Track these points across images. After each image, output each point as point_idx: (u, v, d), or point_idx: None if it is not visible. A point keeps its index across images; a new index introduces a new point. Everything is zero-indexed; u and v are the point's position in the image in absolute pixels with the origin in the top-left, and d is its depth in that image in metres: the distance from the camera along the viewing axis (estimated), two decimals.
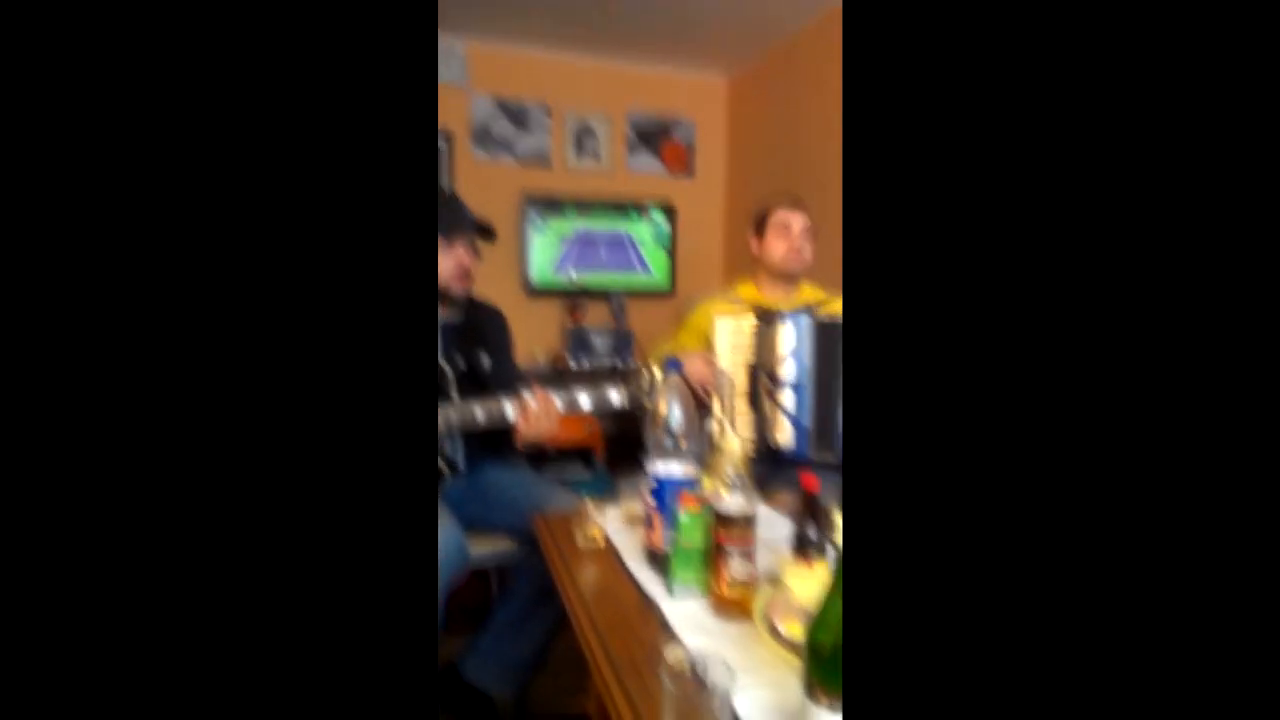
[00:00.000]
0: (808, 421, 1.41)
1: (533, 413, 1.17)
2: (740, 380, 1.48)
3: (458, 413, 1.20)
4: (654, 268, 3.08)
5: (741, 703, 0.60)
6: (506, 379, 1.38)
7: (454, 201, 1.34)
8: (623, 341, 2.87)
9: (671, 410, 0.89)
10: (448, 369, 1.25)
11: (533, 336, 2.88)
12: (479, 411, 1.20)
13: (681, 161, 3.17)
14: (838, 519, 0.55)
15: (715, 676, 0.56)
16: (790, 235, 1.55)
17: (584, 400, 1.21)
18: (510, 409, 1.19)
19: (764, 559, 0.88)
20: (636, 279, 3.05)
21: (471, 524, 1.24)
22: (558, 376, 2.68)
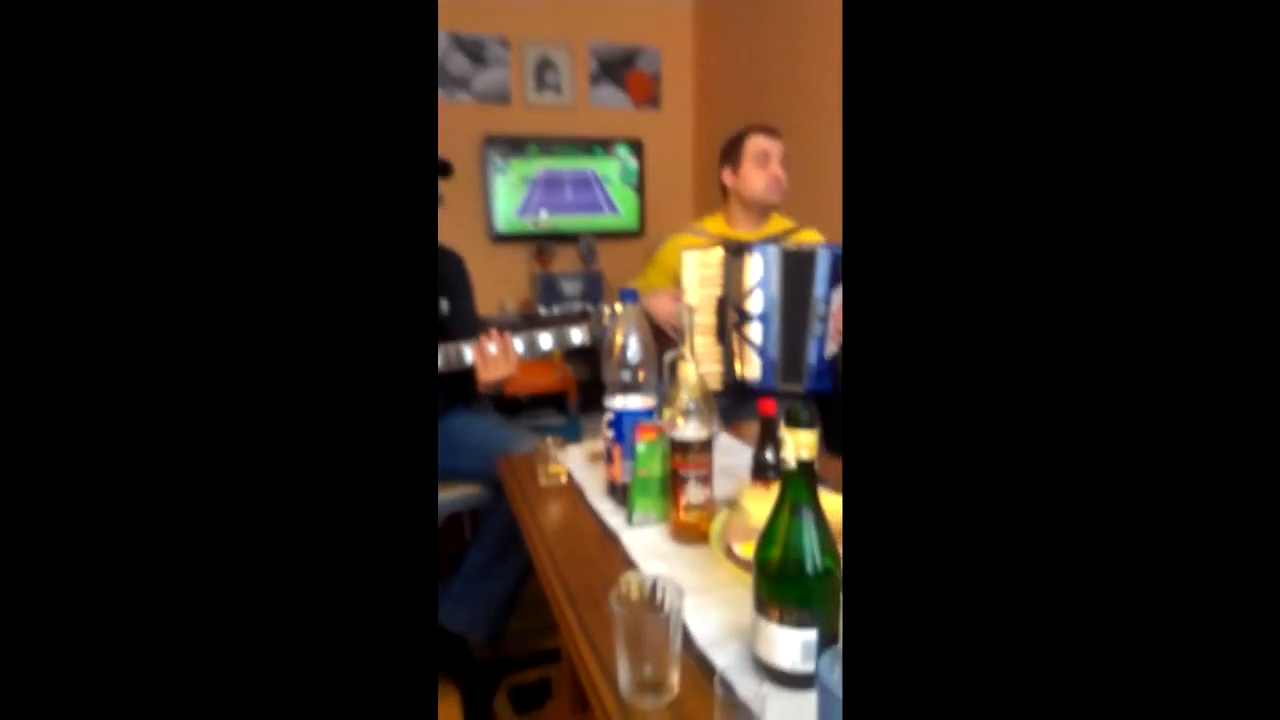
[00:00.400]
0: (774, 353, 1.40)
1: (490, 356, 1.14)
2: (709, 314, 1.46)
3: None
4: (622, 207, 2.99)
5: (695, 622, 0.61)
6: (466, 324, 1.34)
7: None
8: (593, 285, 2.82)
9: (629, 343, 0.87)
10: None
11: (500, 284, 2.82)
12: (438, 357, 1.17)
13: (647, 93, 3.04)
14: (789, 440, 0.54)
15: (666, 598, 0.56)
16: (769, 163, 1.49)
17: (545, 340, 1.19)
18: (469, 353, 1.16)
19: (726, 486, 0.88)
20: (605, 220, 2.96)
21: (440, 471, 1.23)
22: (527, 324, 2.64)
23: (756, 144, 1.50)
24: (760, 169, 1.49)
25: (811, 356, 1.38)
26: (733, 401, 1.45)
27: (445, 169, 1.28)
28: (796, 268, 1.37)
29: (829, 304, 1.35)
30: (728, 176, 1.55)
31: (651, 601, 0.56)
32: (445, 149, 2.79)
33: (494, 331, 1.16)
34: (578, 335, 1.19)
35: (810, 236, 1.54)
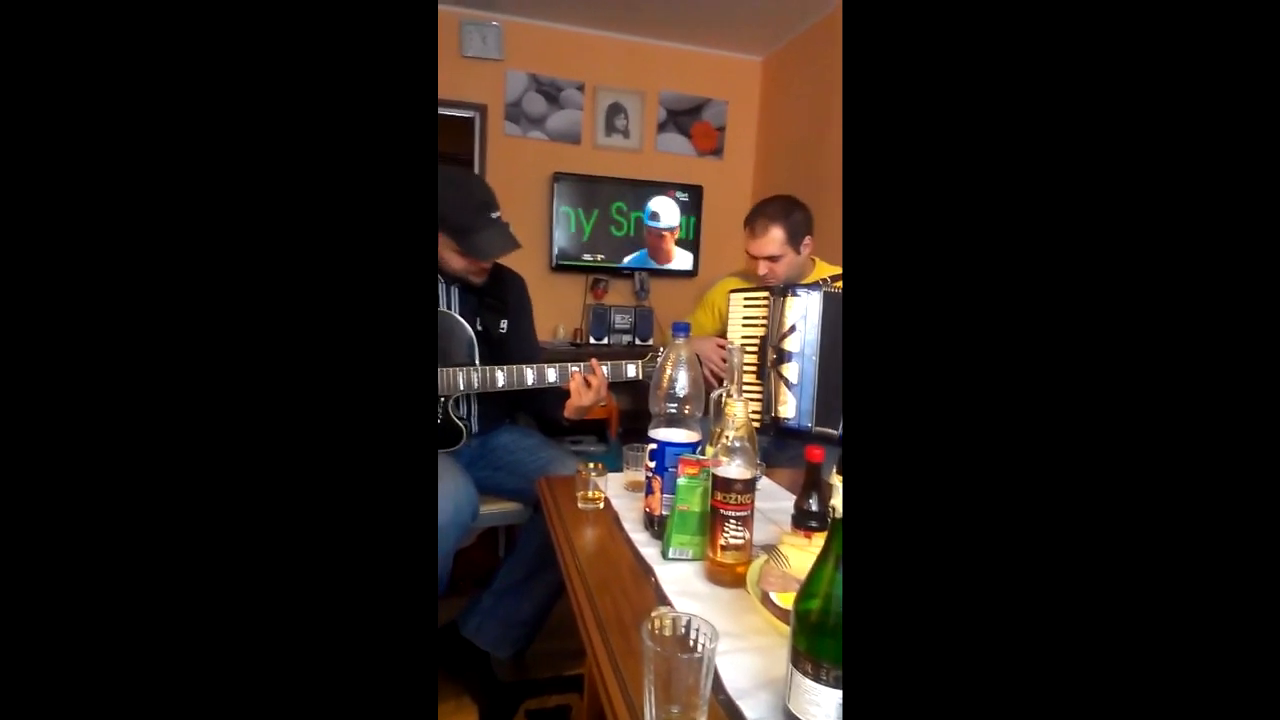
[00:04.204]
0: (810, 394, 1.38)
1: (588, 382, 1.18)
2: (750, 354, 1.47)
3: (477, 375, 1.20)
4: (678, 249, 3.04)
5: (725, 667, 0.59)
6: (522, 344, 1.38)
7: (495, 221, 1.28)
8: (643, 320, 2.85)
9: (677, 375, 0.87)
10: (468, 330, 1.25)
11: (555, 311, 2.88)
12: (500, 375, 1.20)
13: (711, 142, 3.12)
14: (838, 488, 0.53)
15: (700, 639, 0.54)
16: (754, 259, 1.52)
17: (630, 369, 1.23)
18: (530, 374, 1.20)
19: (764, 531, 0.86)
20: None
21: (480, 486, 1.25)
22: (576, 351, 2.68)
23: (749, 234, 1.53)
24: (753, 255, 1.53)
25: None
26: (772, 444, 1.43)
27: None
28: (837, 311, 1.36)
29: None
30: (747, 242, 1.58)
31: (684, 640, 0.55)
32: (516, 181, 2.91)
33: (593, 362, 1.20)
34: (631, 370, 1.21)
35: None
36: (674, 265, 3.02)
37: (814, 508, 0.79)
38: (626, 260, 2.95)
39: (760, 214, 1.54)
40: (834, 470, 0.53)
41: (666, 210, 2.97)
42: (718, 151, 3.13)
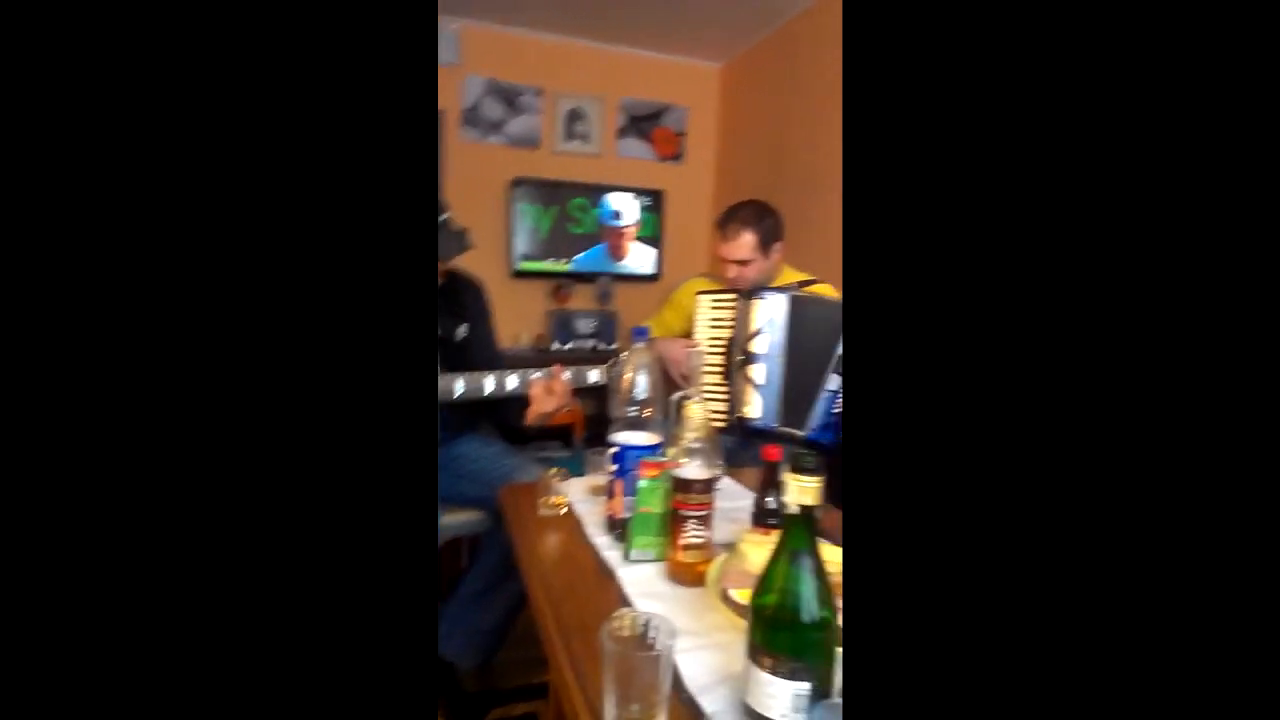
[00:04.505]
0: (775, 395, 1.41)
1: (546, 389, 1.17)
2: (718, 355, 1.48)
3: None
4: (639, 253, 3.05)
5: (685, 664, 0.59)
6: (484, 350, 1.36)
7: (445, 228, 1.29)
8: (606, 325, 2.85)
9: (637, 379, 0.88)
10: None
11: (517, 318, 2.86)
12: (458, 384, 1.18)
13: (671, 147, 3.15)
14: (791, 484, 0.54)
15: (658, 638, 0.55)
16: (724, 262, 1.54)
17: (594, 375, 1.22)
18: (489, 381, 1.18)
19: (726, 530, 0.87)
20: (623, 263, 3.02)
21: (442, 496, 1.23)
22: (540, 357, 2.66)
23: (720, 237, 1.56)
24: (723, 257, 1.55)
25: (820, 407, 1.38)
26: (737, 444, 1.45)
27: (463, 241, 1.28)
28: (802, 313, 1.39)
29: None
30: (718, 246, 1.61)
31: (643, 640, 0.56)
32: (474, 187, 2.88)
33: (556, 367, 1.19)
34: (595, 375, 1.21)
35: (825, 290, 1.56)
36: (635, 267, 3.03)
37: (772, 505, 0.81)
38: (582, 255, 2.94)
39: (733, 218, 1.56)
40: (787, 468, 0.54)
41: (626, 206, 2.97)
42: (678, 157, 3.16)
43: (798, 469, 0.53)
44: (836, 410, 1.37)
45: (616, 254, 3.00)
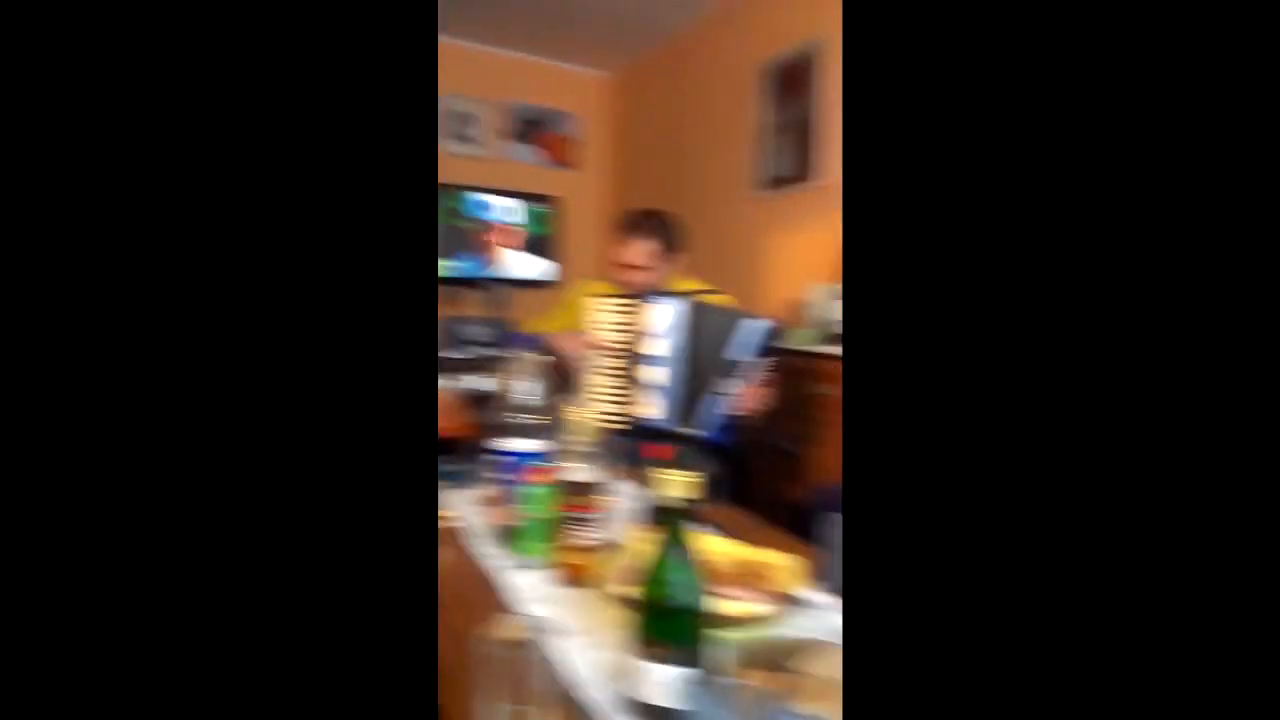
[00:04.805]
0: (673, 397, 1.45)
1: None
2: (612, 357, 1.51)
3: None
4: (525, 258, 3.02)
5: (574, 663, 0.60)
6: None
7: None
8: (503, 331, 2.80)
9: (524, 387, 0.88)
10: None
11: None
12: None
13: (564, 153, 3.15)
14: (667, 481, 0.56)
15: (542, 641, 0.55)
16: (621, 265, 1.57)
17: (470, 383, 1.18)
18: None
19: (618, 530, 0.89)
20: (502, 268, 2.97)
21: None
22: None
23: (617, 240, 1.59)
24: (618, 260, 1.58)
25: (716, 409, 1.44)
26: (634, 446, 1.47)
27: None
28: (698, 316, 1.44)
29: (746, 370, 1.42)
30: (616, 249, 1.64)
31: (523, 642, 0.56)
32: None
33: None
34: (485, 383, 1.18)
35: (722, 300, 1.63)
36: (517, 272, 2.98)
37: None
38: (462, 260, 2.85)
39: (633, 223, 1.58)
40: (657, 464, 0.57)
41: (504, 207, 2.92)
42: (572, 163, 3.17)
43: (673, 465, 0.56)
44: (728, 414, 1.43)
45: (487, 258, 2.95)
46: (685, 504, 0.56)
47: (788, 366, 1.45)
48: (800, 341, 1.79)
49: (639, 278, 1.57)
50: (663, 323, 1.44)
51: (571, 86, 3.13)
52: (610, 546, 0.81)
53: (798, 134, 2.14)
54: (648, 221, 1.59)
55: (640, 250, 1.56)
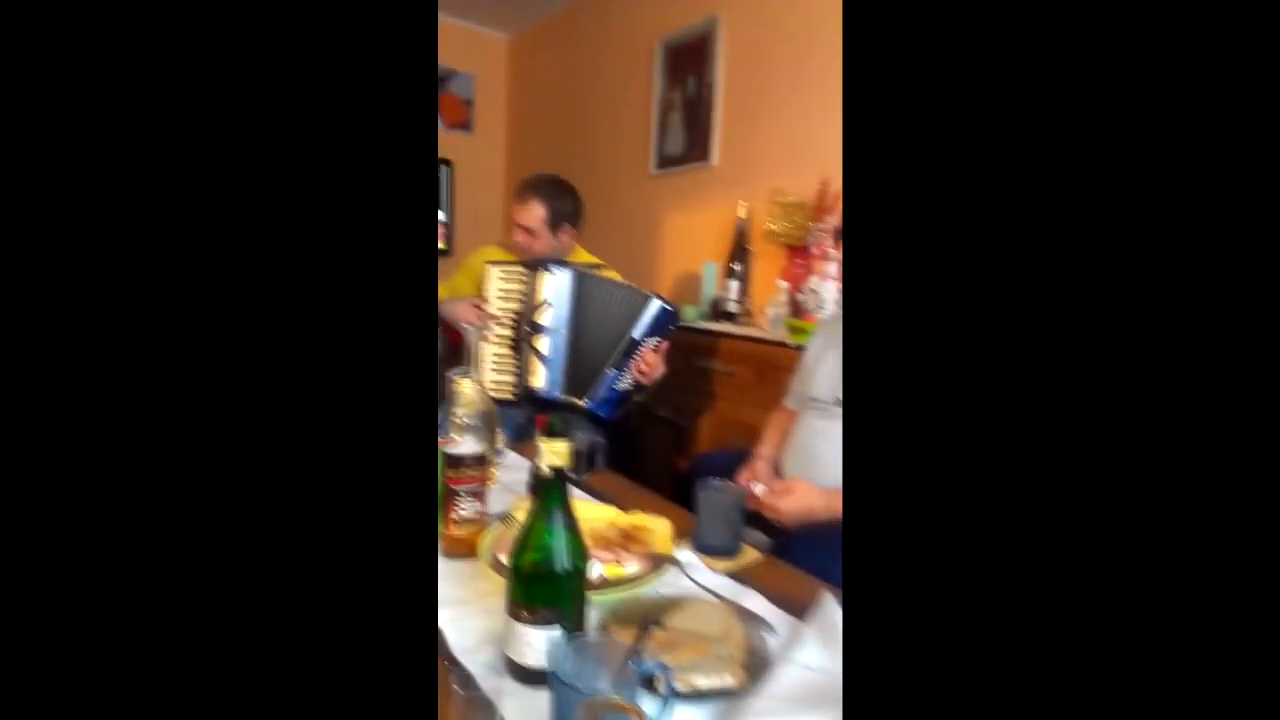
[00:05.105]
0: (561, 366, 1.47)
1: None
2: (507, 326, 1.50)
3: None
4: None
5: (452, 632, 0.61)
6: None
7: None
8: None
9: None
10: None
11: None
12: None
13: (459, 115, 3.02)
14: (544, 449, 0.58)
15: None
16: (515, 226, 1.57)
17: None
18: None
19: (505, 501, 0.90)
20: None
21: None
22: None
23: (514, 204, 1.58)
24: (515, 225, 1.58)
25: (606, 383, 1.47)
26: (526, 417, 1.48)
27: None
28: (588, 287, 1.46)
29: (641, 347, 1.45)
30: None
31: None
32: None
33: None
34: None
35: (610, 275, 1.65)
36: None
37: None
38: None
39: (528, 186, 1.56)
40: (538, 434, 0.58)
41: None
42: (466, 125, 3.04)
43: (549, 434, 0.57)
44: (620, 388, 1.47)
45: None
46: (561, 472, 0.58)
47: (678, 341, 1.51)
48: (690, 317, 1.86)
49: (531, 243, 1.56)
50: (552, 292, 1.45)
51: (470, 46, 2.98)
52: (496, 518, 0.82)
53: (692, 113, 2.19)
54: (540, 184, 1.57)
55: (530, 212, 1.55)
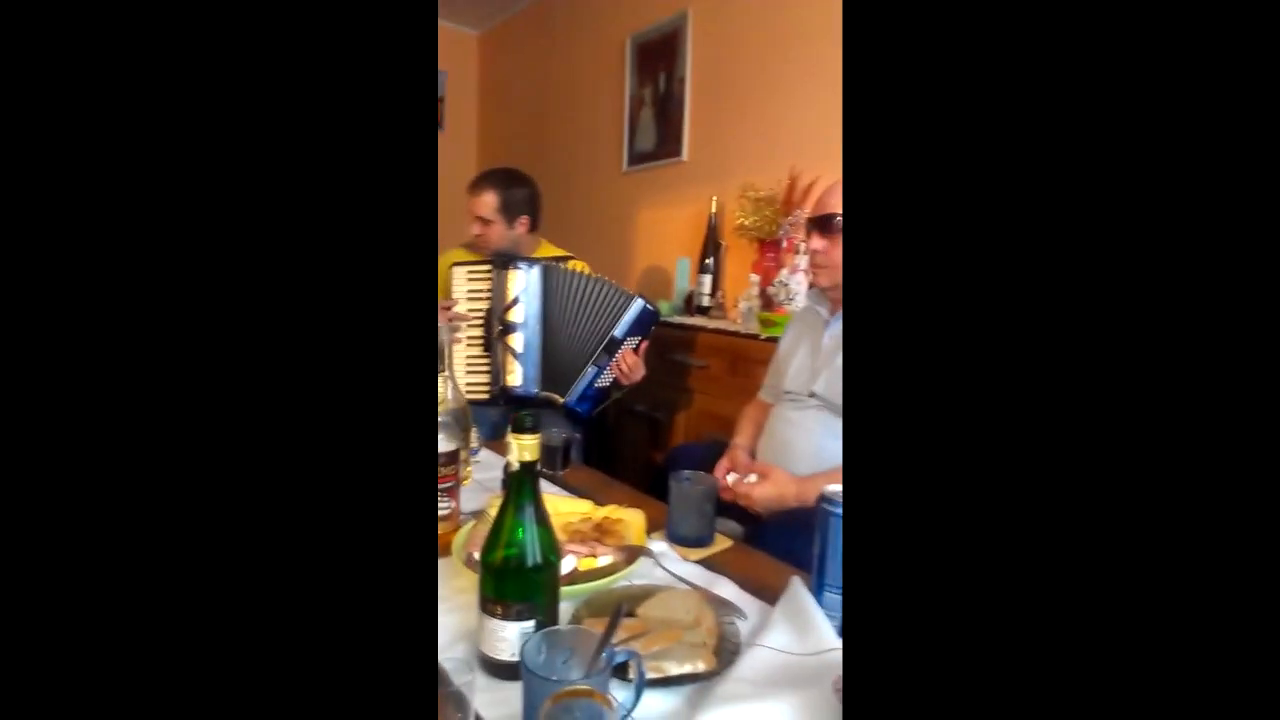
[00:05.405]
0: (535, 362, 1.47)
1: None
2: (477, 326, 1.50)
3: None
4: None
5: None
6: None
7: None
8: None
9: None
10: None
11: None
12: None
13: None
14: (513, 444, 0.58)
15: None
16: (474, 220, 1.57)
17: None
18: None
19: (479, 499, 0.90)
20: None
21: None
22: None
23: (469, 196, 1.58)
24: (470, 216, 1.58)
25: (585, 380, 1.47)
26: (503, 415, 1.48)
27: None
28: (556, 282, 1.46)
29: (623, 346, 1.45)
30: None
31: None
32: None
33: None
34: None
35: (579, 267, 1.65)
36: None
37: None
38: None
39: (481, 176, 1.57)
40: (509, 429, 0.58)
41: None
42: (438, 123, 3.01)
43: (518, 429, 0.58)
44: (600, 385, 1.47)
45: None
46: (531, 466, 0.59)
47: (652, 336, 1.52)
48: (665, 312, 1.87)
49: (487, 232, 1.55)
50: (521, 288, 1.45)
51: (440, 42, 2.94)
52: (470, 516, 0.82)
53: (663, 109, 2.20)
54: (494, 175, 1.58)
55: (483, 201, 1.55)
